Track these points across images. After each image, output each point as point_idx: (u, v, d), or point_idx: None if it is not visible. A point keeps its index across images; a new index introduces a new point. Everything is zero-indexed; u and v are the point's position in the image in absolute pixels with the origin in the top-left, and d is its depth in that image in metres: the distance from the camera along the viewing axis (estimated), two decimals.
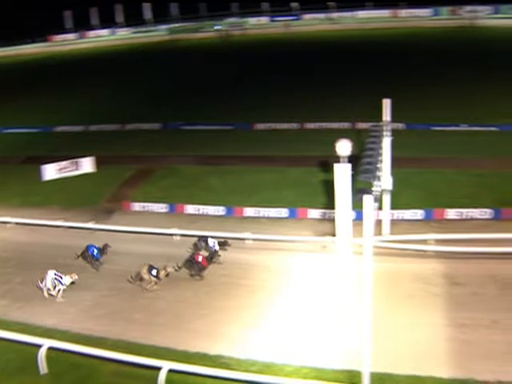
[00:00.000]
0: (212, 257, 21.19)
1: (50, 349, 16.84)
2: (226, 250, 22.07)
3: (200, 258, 20.88)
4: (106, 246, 22.40)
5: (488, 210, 24.12)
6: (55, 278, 20.02)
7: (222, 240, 22.38)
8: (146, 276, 20.18)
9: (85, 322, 18.81)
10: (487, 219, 24.00)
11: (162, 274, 20.19)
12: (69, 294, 20.33)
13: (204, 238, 22.46)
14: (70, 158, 32.30)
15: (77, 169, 32.17)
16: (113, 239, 24.24)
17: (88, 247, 22.19)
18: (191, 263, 20.90)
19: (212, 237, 22.51)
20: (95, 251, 22.11)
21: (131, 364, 16.26)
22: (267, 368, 15.98)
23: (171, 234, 24.22)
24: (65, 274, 20.18)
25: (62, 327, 18.55)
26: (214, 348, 16.97)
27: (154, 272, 20.14)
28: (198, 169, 31.61)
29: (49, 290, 20.10)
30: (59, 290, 20.10)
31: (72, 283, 20.30)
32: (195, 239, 22.89)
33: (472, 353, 16.12)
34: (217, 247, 21.94)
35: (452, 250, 21.20)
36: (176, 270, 20.58)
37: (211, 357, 16.64)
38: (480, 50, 53.96)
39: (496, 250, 20.85)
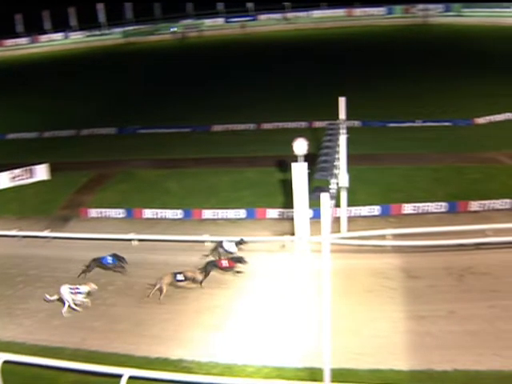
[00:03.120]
0: (239, 260, 20.72)
1: (6, 362, 16.33)
2: (242, 249, 21.72)
3: (225, 263, 20.58)
4: (122, 258, 21.51)
5: (443, 204, 24.65)
6: (71, 292, 19.33)
7: (238, 240, 21.97)
8: (167, 282, 19.70)
9: (42, 333, 18.38)
10: (443, 212, 24.53)
11: (190, 274, 19.95)
12: (24, 306, 19.89)
13: (220, 244, 21.94)
14: (23, 166, 31.48)
15: (31, 176, 31.33)
16: (69, 247, 23.92)
17: (101, 260, 21.43)
18: (214, 269, 20.49)
19: (228, 240, 22.02)
20: (109, 259, 21.43)
21: (91, 373, 15.99)
22: (229, 369, 15.99)
23: (129, 239, 23.89)
24: (80, 284, 19.65)
25: (18, 339, 18.09)
26: (175, 352, 16.86)
27: (181, 277, 19.78)
28: (156, 172, 31.23)
29: (75, 300, 19.45)
30: (81, 302, 19.54)
31: (89, 293, 19.61)
32: (212, 246, 22.32)
33: (430, 344, 16.47)
34: (234, 249, 21.58)
35: (408, 244, 21.59)
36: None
37: (172, 361, 16.54)
38: (433, 48, 55.07)
39: (451, 242, 21.34)
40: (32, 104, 50.30)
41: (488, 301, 18.12)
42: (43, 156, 33.37)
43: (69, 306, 19.32)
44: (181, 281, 19.85)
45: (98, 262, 21.55)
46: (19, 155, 35.48)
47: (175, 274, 19.83)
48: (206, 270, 20.46)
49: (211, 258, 21.43)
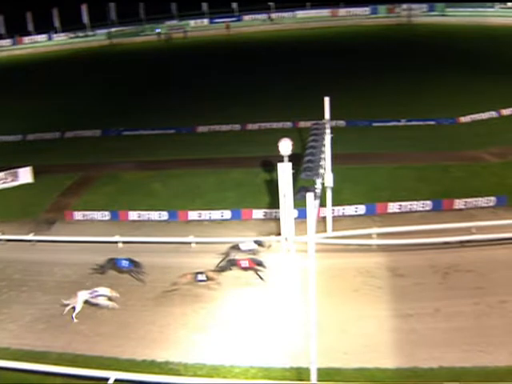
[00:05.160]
0: (260, 263, 20.42)
1: None
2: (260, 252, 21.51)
3: (245, 263, 20.28)
4: (137, 263, 21.01)
5: (428, 202, 24.74)
6: (92, 297, 19.01)
7: (258, 240, 21.70)
8: (187, 282, 19.62)
9: (26, 337, 18.23)
10: (428, 211, 24.61)
11: (210, 274, 19.82)
12: (8, 311, 19.70)
13: (236, 246, 21.52)
14: (6, 169, 31.16)
15: (14, 180, 31.02)
16: (54, 250, 23.70)
17: (115, 262, 21.03)
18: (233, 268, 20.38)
19: (241, 242, 21.67)
20: (124, 262, 20.93)
21: (77, 377, 15.91)
22: (215, 371, 16.01)
23: (115, 242, 23.72)
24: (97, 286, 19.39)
25: (2, 344, 17.93)
26: (161, 354, 16.83)
27: (202, 277, 19.60)
28: (141, 174, 31.05)
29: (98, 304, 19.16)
30: (106, 305, 19.21)
31: (109, 298, 19.21)
32: (227, 248, 21.67)
33: (416, 342, 16.61)
34: (253, 246, 21.26)
35: (394, 242, 21.67)
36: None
37: (159, 363, 16.53)
38: (417, 47, 55.38)
39: (436, 240, 21.50)
40: (15, 106, 49.75)
41: (473, 298, 18.27)
42: (27, 159, 33.05)
43: (73, 308, 19.03)
44: (202, 281, 19.69)
45: (113, 264, 21.17)
46: (2, 158, 35.11)
47: (196, 274, 19.64)
48: (223, 268, 20.39)
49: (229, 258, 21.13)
